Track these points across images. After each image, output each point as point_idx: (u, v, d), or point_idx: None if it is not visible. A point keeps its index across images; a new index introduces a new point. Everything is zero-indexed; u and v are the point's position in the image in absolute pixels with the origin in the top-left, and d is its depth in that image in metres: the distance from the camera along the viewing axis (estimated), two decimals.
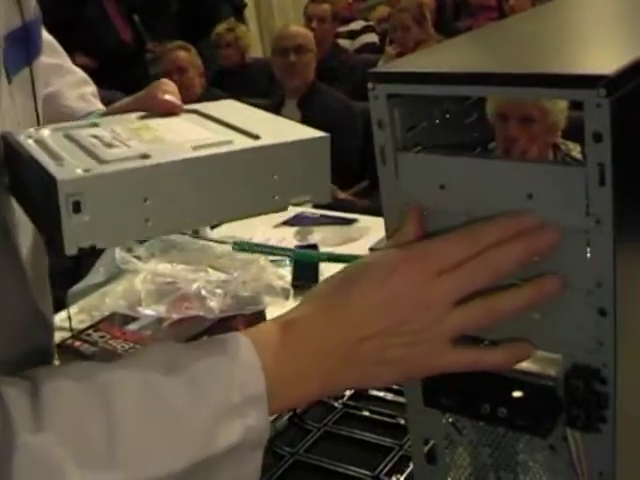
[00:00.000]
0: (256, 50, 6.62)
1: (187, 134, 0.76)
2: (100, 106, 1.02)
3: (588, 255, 0.68)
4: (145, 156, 0.68)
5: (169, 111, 0.83)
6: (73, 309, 1.78)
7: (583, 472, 0.74)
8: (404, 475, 1.20)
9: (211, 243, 2.39)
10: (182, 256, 2.32)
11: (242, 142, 0.73)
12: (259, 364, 0.68)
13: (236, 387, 0.67)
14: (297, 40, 4.25)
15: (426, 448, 0.85)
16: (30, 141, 0.71)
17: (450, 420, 0.83)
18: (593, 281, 0.68)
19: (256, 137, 0.73)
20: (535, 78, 0.66)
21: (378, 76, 0.74)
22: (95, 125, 0.80)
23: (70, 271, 2.20)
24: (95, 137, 0.73)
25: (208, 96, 4.45)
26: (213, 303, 1.55)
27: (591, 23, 0.90)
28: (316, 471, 1.25)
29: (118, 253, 2.29)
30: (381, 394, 1.45)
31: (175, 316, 1.54)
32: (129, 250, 2.32)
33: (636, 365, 0.75)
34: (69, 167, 0.64)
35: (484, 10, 5.79)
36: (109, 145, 0.71)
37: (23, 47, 0.78)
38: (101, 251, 2.34)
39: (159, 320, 1.55)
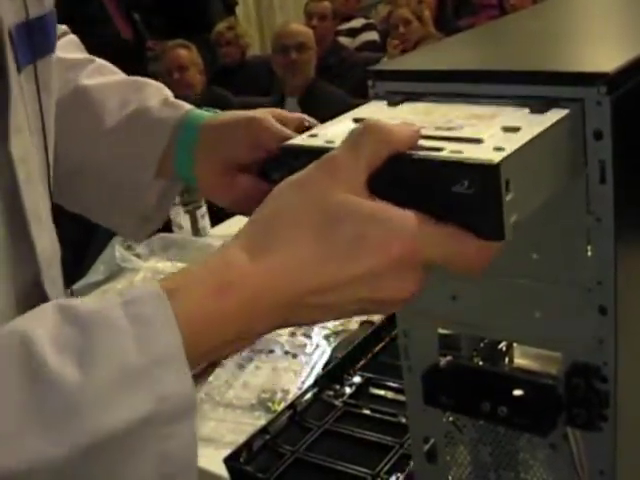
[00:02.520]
0: (255, 48, 6.62)
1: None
2: (187, 106, 1.01)
3: (589, 253, 0.67)
4: (515, 129, 0.61)
5: None
6: None
7: (584, 470, 0.74)
8: (404, 473, 1.20)
9: (210, 241, 2.39)
10: (182, 254, 2.33)
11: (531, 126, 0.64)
12: (173, 321, 0.56)
13: (139, 346, 0.55)
14: (298, 38, 4.25)
15: (426, 446, 0.85)
16: None
17: (450, 419, 0.83)
18: (594, 279, 0.68)
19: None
20: (535, 76, 0.66)
21: (378, 74, 0.74)
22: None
23: (70, 269, 2.20)
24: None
25: (208, 94, 4.45)
26: None
27: (592, 20, 0.90)
28: (316, 469, 1.26)
29: (118, 251, 2.30)
30: (382, 393, 1.45)
31: None
32: (129, 248, 2.33)
33: (637, 363, 0.75)
34: (482, 151, 0.58)
35: (485, 8, 5.78)
36: (458, 127, 0.63)
37: (31, 41, 0.78)
38: (102, 249, 2.34)
39: None
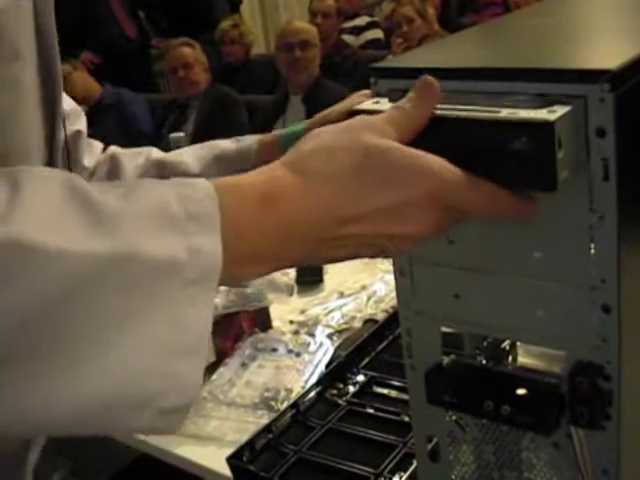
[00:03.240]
0: (259, 46, 6.62)
1: None
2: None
3: (592, 251, 0.67)
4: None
5: None
6: None
7: (587, 470, 0.74)
8: (407, 472, 1.20)
9: None
10: None
11: None
12: (216, 198, 0.60)
13: (179, 199, 0.59)
14: (302, 36, 4.25)
15: (429, 445, 0.85)
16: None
17: (453, 417, 0.83)
18: (597, 278, 0.68)
19: None
20: (538, 73, 0.65)
21: (381, 71, 0.74)
22: None
23: None
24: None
25: (213, 92, 4.45)
26: (216, 299, 1.55)
27: (595, 18, 0.90)
28: (320, 468, 1.25)
29: None
30: (385, 391, 1.45)
31: None
32: None
33: None
34: (535, 113, 0.63)
35: (489, 6, 5.77)
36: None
37: None
38: None
39: None
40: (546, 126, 0.61)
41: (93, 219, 0.56)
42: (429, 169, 0.63)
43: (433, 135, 0.66)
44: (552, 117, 0.60)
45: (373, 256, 0.67)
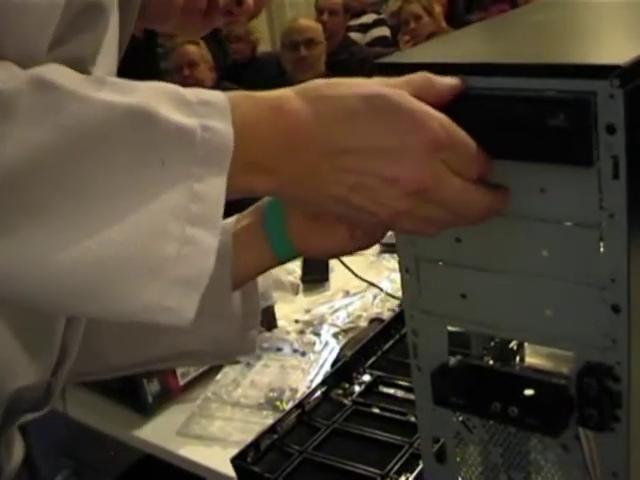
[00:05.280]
0: (265, 43, 6.62)
1: None
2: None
3: (601, 250, 0.66)
4: None
5: None
6: None
7: (596, 472, 0.74)
8: (414, 474, 1.19)
9: None
10: None
11: None
12: (227, 97, 0.62)
13: (190, 90, 0.61)
14: (307, 34, 4.26)
15: (436, 447, 0.85)
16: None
17: (460, 418, 0.82)
18: (606, 277, 0.67)
19: None
20: (546, 68, 0.65)
21: (386, 67, 0.73)
22: None
23: None
24: None
25: (219, 90, 4.44)
26: None
27: (604, 13, 0.89)
28: (325, 469, 1.25)
29: None
30: (391, 391, 1.44)
31: None
32: None
33: None
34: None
35: (496, 3, 5.76)
36: None
37: None
38: None
39: None
40: (586, 103, 0.62)
41: (111, 86, 0.57)
42: (435, 121, 0.64)
43: (466, 110, 0.67)
44: (590, 96, 0.62)
45: (365, 213, 0.67)
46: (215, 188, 0.59)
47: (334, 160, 0.64)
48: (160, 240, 0.57)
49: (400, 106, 0.64)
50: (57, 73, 0.56)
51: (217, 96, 0.61)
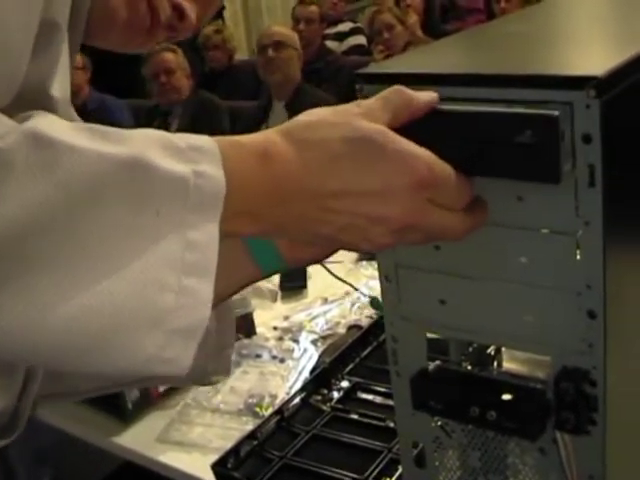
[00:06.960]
0: (242, 52, 6.62)
1: None
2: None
3: (577, 257, 0.67)
4: None
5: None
6: None
7: (573, 475, 0.74)
8: (393, 478, 1.20)
9: None
10: None
11: None
12: (216, 144, 0.61)
13: (179, 137, 0.60)
14: (275, 37, 4.29)
15: (415, 451, 0.85)
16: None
17: (439, 423, 0.83)
18: (583, 283, 0.68)
19: None
20: (523, 79, 0.65)
21: (366, 77, 0.74)
22: None
23: None
24: None
25: (196, 98, 4.44)
26: None
27: (581, 24, 0.90)
28: (305, 475, 1.25)
29: None
30: (370, 397, 1.45)
31: None
32: None
33: (626, 367, 0.75)
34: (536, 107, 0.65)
35: (472, 13, 5.80)
36: None
37: None
38: None
39: None
40: (552, 119, 0.62)
41: (103, 135, 0.57)
42: (419, 161, 0.64)
43: (436, 127, 0.67)
44: (555, 112, 0.62)
45: (352, 246, 0.68)
46: (208, 235, 0.59)
47: (322, 203, 0.64)
48: (158, 291, 0.57)
49: (384, 148, 0.64)
50: (50, 126, 0.56)
51: (204, 140, 0.61)
